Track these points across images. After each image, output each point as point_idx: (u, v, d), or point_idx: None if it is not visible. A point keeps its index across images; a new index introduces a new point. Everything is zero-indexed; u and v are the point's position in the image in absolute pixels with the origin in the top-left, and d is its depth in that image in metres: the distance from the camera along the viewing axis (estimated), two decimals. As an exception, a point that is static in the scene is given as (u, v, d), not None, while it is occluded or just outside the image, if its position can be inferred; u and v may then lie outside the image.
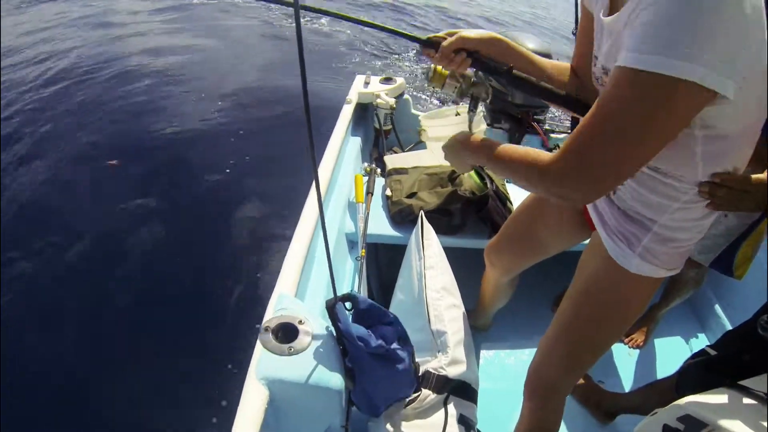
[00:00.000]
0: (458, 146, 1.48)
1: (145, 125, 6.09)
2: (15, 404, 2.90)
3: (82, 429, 2.88)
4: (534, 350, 2.51)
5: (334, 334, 1.44)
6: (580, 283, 1.62)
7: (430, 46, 1.48)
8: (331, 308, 1.35)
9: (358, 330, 1.34)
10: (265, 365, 1.33)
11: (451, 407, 1.77)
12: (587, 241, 1.76)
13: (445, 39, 1.46)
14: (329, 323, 1.43)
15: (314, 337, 1.40)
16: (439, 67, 1.52)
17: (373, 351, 1.36)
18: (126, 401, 3.05)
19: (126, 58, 8.08)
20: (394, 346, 1.44)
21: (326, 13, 1.48)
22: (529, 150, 1.16)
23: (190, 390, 3.12)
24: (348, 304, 1.43)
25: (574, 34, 3.12)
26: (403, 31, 1.50)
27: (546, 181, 1.10)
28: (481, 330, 2.62)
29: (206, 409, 2.95)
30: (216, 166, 5.34)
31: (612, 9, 1.15)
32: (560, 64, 1.63)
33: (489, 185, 2.53)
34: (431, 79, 1.55)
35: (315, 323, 1.45)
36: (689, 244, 1.36)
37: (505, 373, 2.50)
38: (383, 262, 2.97)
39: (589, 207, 1.56)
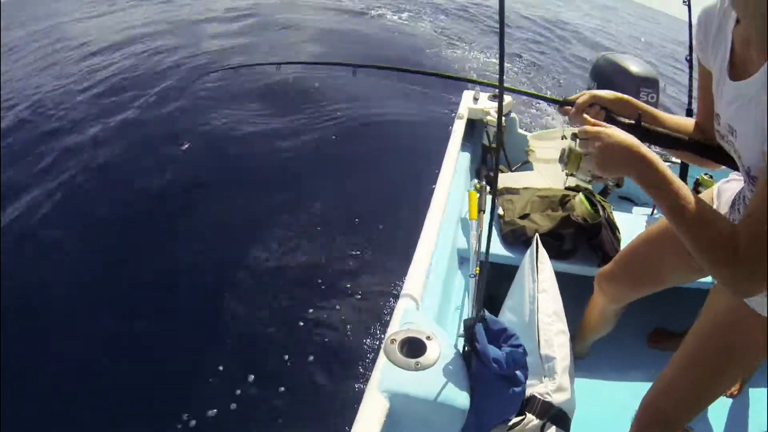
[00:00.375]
0: (626, 153, 1.26)
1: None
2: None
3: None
4: (627, 383, 2.49)
5: (461, 352, 1.46)
6: (708, 323, 1.59)
7: (567, 104, 1.56)
8: (471, 327, 1.36)
9: (495, 352, 1.35)
10: (389, 378, 1.34)
11: (548, 435, 1.78)
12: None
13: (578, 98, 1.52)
14: (455, 340, 1.45)
15: (442, 354, 1.41)
16: (574, 147, 1.50)
17: (503, 373, 1.38)
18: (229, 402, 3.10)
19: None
20: (519, 370, 1.45)
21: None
22: (710, 215, 1.14)
23: (306, 396, 3.15)
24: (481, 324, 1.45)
25: (687, 59, 3.08)
26: (543, 94, 1.56)
27: (732, 268, 1.08)
28: (577, 358, 2.59)
29: (318, 415, 3.01)
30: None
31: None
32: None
33: (602, 213, 2.51)
34: (567, 160, 1.52)
35: (443, 340, 1.46)
36: None
37: (597, 403, 2.46)
38: (488, 280, 2.97)
39: None
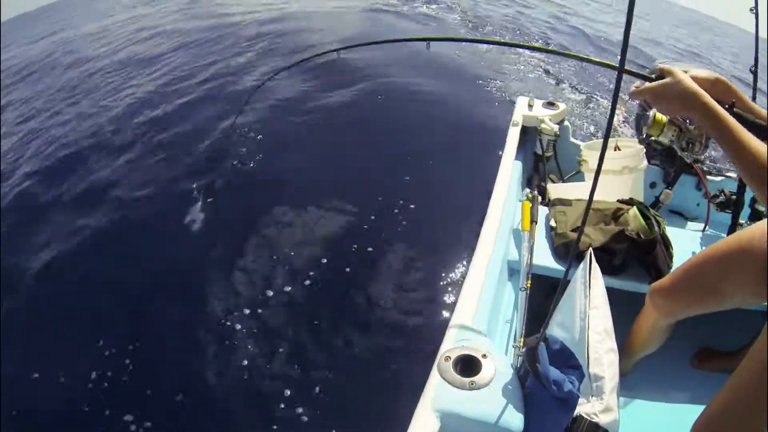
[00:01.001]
0: (690, 94, 1.44)
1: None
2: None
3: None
4: (671, 404, 2.44)
5: (516, 371, 1.44)
6: (762, 359, 1.52)
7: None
8: (533, 349, 1.34)
9: (555, 374, 1.34)
10: (442, 397, 1.33)
11: (590, 455, 1.75)
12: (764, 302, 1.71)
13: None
14: (511, 359, 1.43)
15: (497, 374, 1.39)
16: (658, 115, 1.51)
17: (561, 396, 1.36)
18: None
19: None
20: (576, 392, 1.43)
21: None
22: None
23: (351, 414, 3.14)
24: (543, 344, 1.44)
25: (752, 71, 3.01)
26: (635, 71, 1.54)
27: None
28: (621, 375, 2.55)
29: None
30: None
31: None
32: None
33: (656, 229, 2.47)
34: (650, 126, 1.53)
35: (498, 359, 1.44)
36: None
37: (639, 424, 2.43)
38: (533, 292, 2.96)
39: None
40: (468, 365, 1.41)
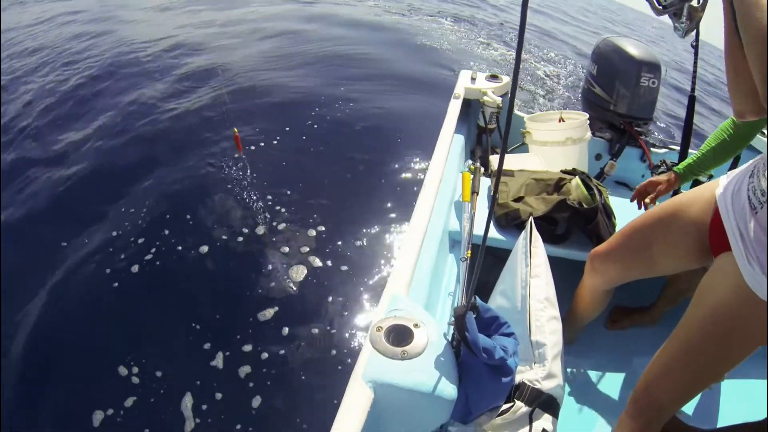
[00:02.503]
0: None
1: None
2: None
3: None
4: (616, 369, 2.48)
5: (449, 340, 1.42)
6: (705, 308, 1.57)
7: None
8: (461, 317, 1.32)
9: (485, 341, 1.32)
10: (374, 367, 1.31)
11: (536, 421, 1.75)
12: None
13: None
14: (445, 328, 1.41)
15: (430, 343, 1.37)
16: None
17: (493, 363, 1.34)
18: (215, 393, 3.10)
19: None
20: (510, 359, 1.42)
21: None
22: None
23: (290, 389, 3.13)
24: (472, 312, 1.42)
25: (692, 45, 3.04)
26: None
27: None
28: (567, 343, 2.57)
29: (303, 407, 2.98)
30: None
31: None
32: None
33: (598, 198, 2.48)
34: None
35: (431, 328, 1.42)
36: None
37: (585, 389, 2.46)
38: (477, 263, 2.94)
39: (731, 223, 1.51)
40: (400, 335, 1.38)
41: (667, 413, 1.72)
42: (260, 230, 4.32)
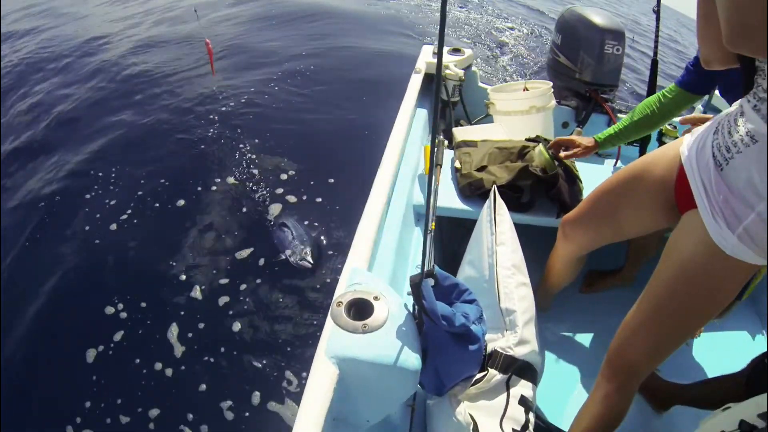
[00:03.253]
0: None
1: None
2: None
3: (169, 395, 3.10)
4: (595, 333, 2.48)
5: (411, 311, 1.41)
6: (672, 266, 1.57)
7: None
8: (417, 285, 1.31)
9: (444, 309, 1.30)
10: (336, 343, 1.30)
11: (513, 388, 1.75)
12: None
13: None
14: (405, 299, 1.40)
15: (390, 315, 1.36)
16: None
17: (454, 331, 1.33)
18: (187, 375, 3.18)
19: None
20: (473, 325, 1.41)
21: None
22: None
23: (260, 366, 3.19)
24: (430, 280, 1.40)
25: (654, 10, 3.05)
26: None
27: None
28: (541, 311, 2.57)
29: (274, 387, 3.06)
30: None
31: None
32: None
33: (557, 164, 2.47)
34: None
35: (391, 300, 1.41)
36: None
37: (563, 355, 2.46)
38: (446, 234, 2.94)
39: (695, 180, 1.49)
40: (361, 309, 1.37)
41: (641, 373, 1.73)
42: (230, 182, 4.66)
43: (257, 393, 3.10)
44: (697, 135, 1.55)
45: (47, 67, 7.41)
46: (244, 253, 4.06)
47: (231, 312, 3.60)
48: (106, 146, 5.23)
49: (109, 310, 3.47)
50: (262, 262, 3.98)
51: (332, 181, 4.79)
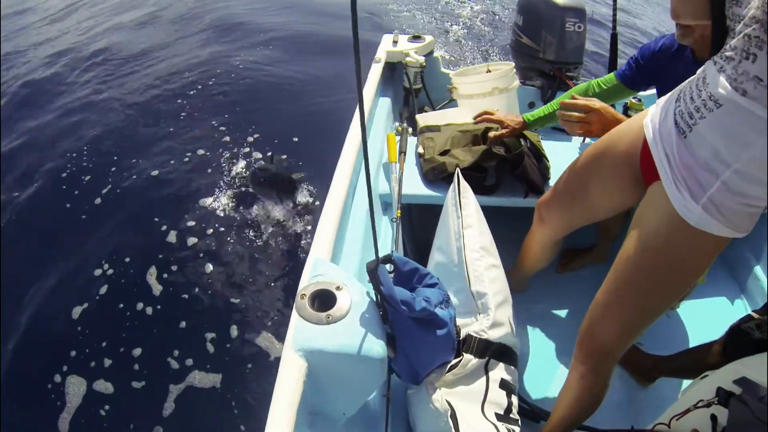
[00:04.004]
0: None
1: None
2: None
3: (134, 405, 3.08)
4: (570, 312, 2.47)
5: (375, 300, 1.38)
6: (637, 240, 1.52)
7: None
8: (373, 271, 1.28)
9: (402, 293, 1.28)
10: (301, 335, 1.28)
11: (492, 372, 1.73)
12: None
13: None
14: (369, 288, 1.37)
15: (353, 304, 1.34)
16: None
17: (416, 315, 1.30)
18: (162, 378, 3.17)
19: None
20: (437, 309, 1.38)
21: None
22: None
23: (231, 365, 3.21)
24: (389, 267, 1.38)
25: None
26: None
27: None
28: (517, 292, 2.55)
29: (250, 383, 3.05)
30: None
31: None
32: None
33: (523, 142, 2.45)
34: None
35: (354, 289, 1.39)
36: (760, 204, 1.25)
37: (543, 335, 2.45)
38: (417, 223, 2.92)
39: (658, 150, 1.44)
40: (324, 300, 1.35)
41: (614, 353, 1.68)
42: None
43: (234, 326, 3.36)
44: (660, 105, 1.51)
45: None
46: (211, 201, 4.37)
47: (202, 254, 3.95)
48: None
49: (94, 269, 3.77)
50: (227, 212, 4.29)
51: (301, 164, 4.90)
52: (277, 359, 1.31)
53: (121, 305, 3.58)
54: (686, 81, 1.39)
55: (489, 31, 9.09)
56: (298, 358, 1.25)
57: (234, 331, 3.41)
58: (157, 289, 3.72)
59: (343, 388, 1.43)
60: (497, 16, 10.03)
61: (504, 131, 2.41)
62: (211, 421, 3.00)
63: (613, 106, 2.95)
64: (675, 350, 2.17)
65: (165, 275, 3.82)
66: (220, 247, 4.04)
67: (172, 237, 4.14)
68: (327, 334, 1.28)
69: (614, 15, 2.97)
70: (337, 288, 1.36)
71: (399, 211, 2.23)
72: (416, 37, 3.54)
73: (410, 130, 2.81)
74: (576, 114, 2.02)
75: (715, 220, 1.27)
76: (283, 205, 4.42)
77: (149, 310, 3.57)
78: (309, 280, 1.41)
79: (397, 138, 2.67)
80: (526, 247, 2.34)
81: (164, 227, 4.23)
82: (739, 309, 2.58)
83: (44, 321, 3.49)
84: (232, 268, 3.87)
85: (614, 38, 3.00)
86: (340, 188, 2.02)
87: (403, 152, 2.54)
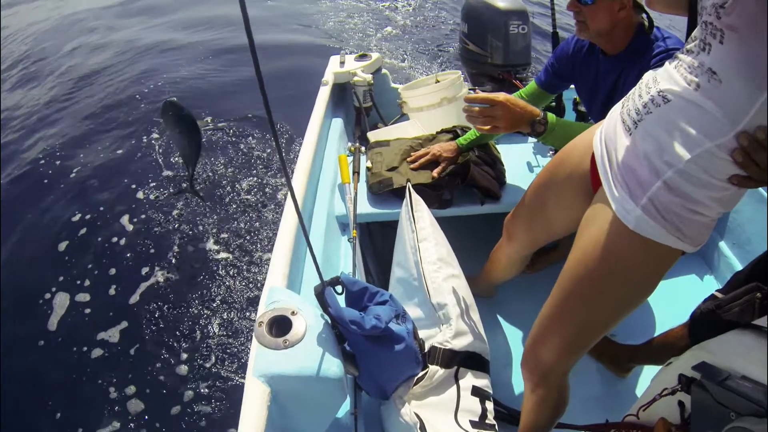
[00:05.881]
0: None
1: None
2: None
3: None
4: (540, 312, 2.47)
5: (329, 322, 1.39)
6: (577, 249, 1.44)
7: None
8: (320, 294, 1.31)
9: (350, 313, 1.31)
10: (261, 361, 1.30)
11: (463, 380, 1.73)
12: None
13: None
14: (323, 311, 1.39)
15: (308, 328, 1.36)
16: None
17: (368, 333, 1.32)
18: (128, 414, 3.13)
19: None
20: (391, 325, 1.39)
21: None
22: None
23: (200, 397, 3.19)
24: (339, 288, 1.39)
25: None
26: None
27: None
28: (485, 297, 2.55)
29: (216, 414, 3.06)
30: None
31: None
32: None
33: (471, 153, 2.46)
34: None
35: (309, 313, 1.41)
36: (707, 213, 1.19)
37: (515, 337, 2.45)
38: (378, 241, 2.92)
39: (599, 148, 1.40)
40: (281, 326, 1.37)
41: (557, 371, 1.60)
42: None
43: (197, 357, 3.41)
44: (611, 112, 1.44)
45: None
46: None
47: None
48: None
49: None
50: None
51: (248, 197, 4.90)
52: (241, 386, 1.32)
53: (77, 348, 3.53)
54: (635, 86, 1.33)
55: (436, 39, 9.14)
56: (260, 384, 1.27)
57: (196, 362, 3.42)
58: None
59: (307, 410, 1.45)
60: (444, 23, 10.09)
61: (443, 165, 2.39)
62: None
63: (558, 110, 3.02)
64: (649, 336, 2.17)
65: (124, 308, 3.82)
66: (178, 277, 4.06)
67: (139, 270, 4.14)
68: (285, 358, 1.30)
69: (553, 14, 3.02)
70: (293, 313, 1.38)
71: (355, 231, 2.24)
72: (363, 56, 3.56)
73: (363, 149, 2.82)
74: (476, 108, 1.96)
75: (656, 224, 1.20)
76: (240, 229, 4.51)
77: (112, 339, 3.58)
78: (266, 308, 1.43)
79: (350, 158, 2.67)
80: (494, 258, 2.31)
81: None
82: (709, 287, 2.59)
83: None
84: (192, 298, 3.89)
85: (555, 37, 3.04)
86: (292, 215, 2.02)
87: (356, 172, 2.55)
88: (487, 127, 1.98)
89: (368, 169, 2.56)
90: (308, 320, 1.37)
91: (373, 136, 2.94)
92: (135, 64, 7.60)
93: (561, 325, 1.51)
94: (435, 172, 2.37)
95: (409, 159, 2.48)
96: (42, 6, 10.28)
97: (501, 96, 1.94)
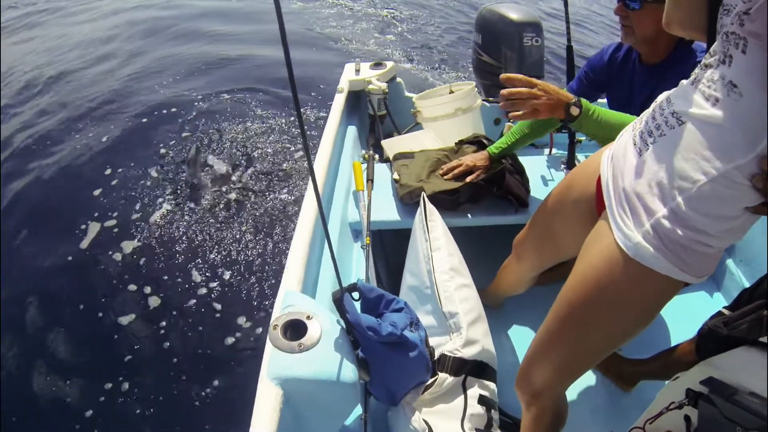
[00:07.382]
0: None
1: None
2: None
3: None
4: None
5: (344, 327, 1.42)
6: (575, 274, 1.41)
7: None
8: (338, 300, 1.32)
9: (368, 320, 1.32)
10: (276, 364, 1.32)
11: (471, 389, 1.75)
12: None
13: None
14: (338, 316, 1.41)
15: (324, 332, 1.38)
16: None
17: (384, 340, 1.34)
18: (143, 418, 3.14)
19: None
20: (406, 332, 1.42)
21: None
22: None
23: (211, 398, 3.21)
24: (355, 294, 1.42)
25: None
26: None
27: None
28: (494, 308, 2.57)
29: (227, 416, 3.07)
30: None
31: None
32: None
33: (504, 160, 2.46)
34: None
35: (324, 317, 1.43)
36: (714, 245, 1.14)
37: (522, 350, 2.45)
38: (390, 248, 2.94)
39: (606, 169, 1.37)
40: (296, 329, 1.39)
41: (548, 395, 1.60)
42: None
43: (211, 359, 3.43)
44: (621, 134, 1.41)
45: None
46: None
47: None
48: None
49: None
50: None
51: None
52: (253, 388, 1.34)
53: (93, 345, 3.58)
54: (645, 111, 1.29)
55: (453, 50, 9.17)
56: (273, 387, 1.29)
57: (208, 362, 3.44)
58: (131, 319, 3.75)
59: (319, 413, 1.47)
60: (461, 35, 10.12)
61: (478, 173, 2.38)
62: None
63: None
64: (655, 351, 2.18)
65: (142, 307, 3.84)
66: (193, 279, 4.07)
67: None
68: (300, 362, 1.32)
69: (567, 27, 3.04)
70: (308, 317, 1.40)
71: (368, 237, 2.26)
72: (378, 64, 3.59)
73: (377, 157, 2.84)
74: (524, 90, 1.79)
75: (658, 253, 1.15)
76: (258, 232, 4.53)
77: (125, 338, 3.61)
78: (281, 311, 1.45)
79: (364, 165, 2.69)
80: (502, 275, 2.31)
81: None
82: (716, 303, 2.58)
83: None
84: (205, 298, 3.92)
85: (570, 51, 3.06)
86: (309, 218, 2.05)
87: (370, 179, 2.57)
88: (526, 111, 1.82)
89: (396, 180, 2.56)
90: (323, 325, 1.39)
91: (387, 144, 2.96)
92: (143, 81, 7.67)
93: (552, 349, 1.50)
94: (469, 178, 2.37)
95: (440, 172, 2.47)
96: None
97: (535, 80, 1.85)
